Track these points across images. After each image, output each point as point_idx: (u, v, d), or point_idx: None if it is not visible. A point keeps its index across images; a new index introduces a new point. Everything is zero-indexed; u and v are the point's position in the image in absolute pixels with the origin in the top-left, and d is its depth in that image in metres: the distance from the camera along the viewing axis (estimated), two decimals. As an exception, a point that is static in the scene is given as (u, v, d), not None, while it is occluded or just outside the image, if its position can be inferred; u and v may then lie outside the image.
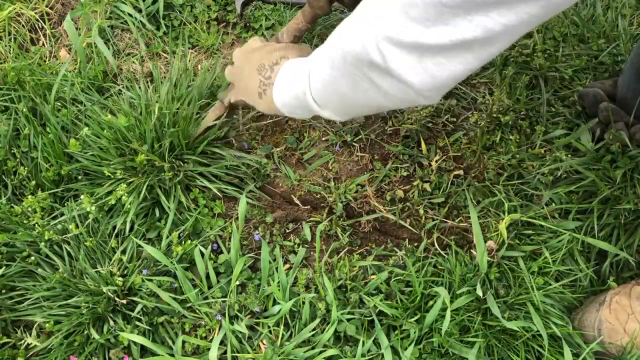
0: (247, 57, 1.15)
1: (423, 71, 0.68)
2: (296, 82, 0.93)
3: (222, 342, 1.17)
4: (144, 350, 1.20)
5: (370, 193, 1.34)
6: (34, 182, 1.35)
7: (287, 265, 1.28)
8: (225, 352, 1.16)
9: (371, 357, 1.16)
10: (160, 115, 1.32)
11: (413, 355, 1.14)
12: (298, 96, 0.93)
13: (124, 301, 1.21)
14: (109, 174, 1.30)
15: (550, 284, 1.20)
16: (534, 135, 1.36)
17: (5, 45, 1.60)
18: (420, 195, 1.34)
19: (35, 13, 1.67)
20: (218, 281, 1.25)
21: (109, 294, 1.19)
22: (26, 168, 1.36)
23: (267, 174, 1.41)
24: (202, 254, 1.26)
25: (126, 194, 1.27)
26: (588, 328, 1.19)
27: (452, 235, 1.31)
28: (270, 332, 1.19)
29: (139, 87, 1.45)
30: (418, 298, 1.18)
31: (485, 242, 1.25)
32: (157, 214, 1.30)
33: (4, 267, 1.25)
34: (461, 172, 1.36)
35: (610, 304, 1.19)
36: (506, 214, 1.25)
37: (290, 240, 1.31)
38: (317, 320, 1.18)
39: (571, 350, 1.14)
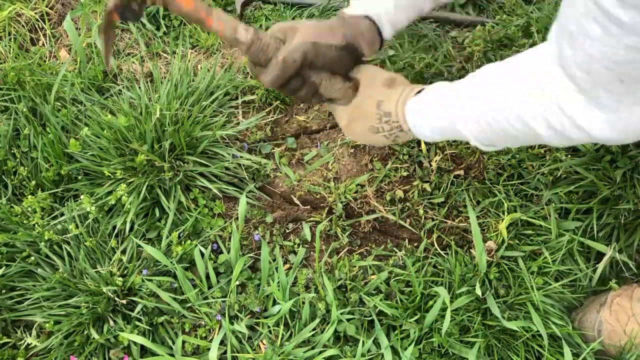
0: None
1: (611, 128, 0.72)
2: (448, 124, 0.93)
3: (222, 342, 1.17)
4: (144, 350, 1.20)
5: (370, 193, 1.34)
6: (34, 182, 1.35)
7: (287, 266, 1.28)
8: (225, 352, 1.16)
9: (371, 357, 1.16)
10: (161, 115, 1.32)
11: (413, 355, 1.14)
12: (445, 132, 0.94)
13: (124, 301, 1.21)
14: (109, 174, 1.30)
15: (550, 284, 1.20)
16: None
17: (5, 46, 1.60)
18: (420, 195, 1.34)
19: (35, 13, 1.67)
20: (218, 281, 1.25)
21: (109, 294, 1.19)
22: (26, 168, 1.36)
23: (267, 174, 1.41)
24: (202, 254, 1.26)
25: (126, 194, 1.27)
26: (588, 329, 1.19)
27: (452, 235, 1.31)
28: (270, 332, 1.19)
29: (139, 87, 1.45)
30: (418, 298, 1.18)
31: (485, 242, 1.25)
32: (157, 214, 1.30)
33: (4, 267, 1.25)
34: (461, 172, 1.36)
35: (611, 306, 1.19)
36: (506, 214, 1.25)
37: (290, 240, 1.31)
38: (317, 320, 1.18)
39: (571, 350, 1.14)
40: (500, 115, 0.82)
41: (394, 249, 1.30)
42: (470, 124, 0.87)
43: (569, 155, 1.30)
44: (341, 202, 1.33)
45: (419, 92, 0.98)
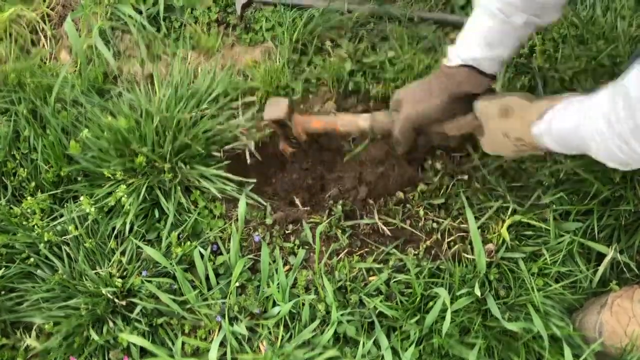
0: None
1: None
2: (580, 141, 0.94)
3: (221, 344, 1.17)
4: (143, 351, 1.20)
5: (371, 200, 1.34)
6: (33, 184, 1.35)
7: (287, 267, 1.28)
8: (225, 354, 1.16)
9: (371, 358, 1.15)
10: (162, 117, 1.32)
11: (413, 356, 1.13)
12: (577, 150, 0.97)
13: (124, 302, 1.21)
14: (109, 175, 1.30)
15: (550, 285, 1.20)
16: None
17: (6, 47, 1.60)
18: (420, 197, 1.34)
19: (36, 15, 1.68)
20: (218, 282, 1.25)
21: (109, 295, 1.19)
22: (26, 170, 1.36)
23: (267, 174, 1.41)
24: (202, 255, 1.26)
25: (126, 195, 1.27)
26: (589, 330, 1.19)
27: (453, 237, 1.30)
28: (270, 333, 1.18)
29: (139, 89, 1.45)
30: (418, 299, 1.18)
31: (486, 243, 1.25)
32: (157, 215, 1.30)
33: (3, 269, 1.25)
34: (465, 176, 1.36)
35: (612, 307, 1.18)
36: (508, 215, 1.25)
37: (290, 242, 1.31)
38: (317, 322, 1.18)
39: (572, 352, 1.14)
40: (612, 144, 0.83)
41: (394, 250, 1.29)
42: (600, 143, 0.87)
43: (569, 159, 1.30)
44: (340, 204, 1.32)
45: (544, 113, 0.99)
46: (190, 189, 1.34)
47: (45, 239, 1.25)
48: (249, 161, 1.41)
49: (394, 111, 1.20)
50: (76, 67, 1.58)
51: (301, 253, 1.28)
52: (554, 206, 1.27)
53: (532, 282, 1.18)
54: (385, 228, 1.31)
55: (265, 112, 1.26)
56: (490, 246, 1.23)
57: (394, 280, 1.24)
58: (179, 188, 1.31)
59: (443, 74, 1.14)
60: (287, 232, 1.33)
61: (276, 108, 1.24)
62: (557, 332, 1.15)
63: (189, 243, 1.26)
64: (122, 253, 1.27)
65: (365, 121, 1.23)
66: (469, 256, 1.24)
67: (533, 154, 1.09)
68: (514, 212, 1.27)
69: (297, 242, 1.30)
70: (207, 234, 1.30)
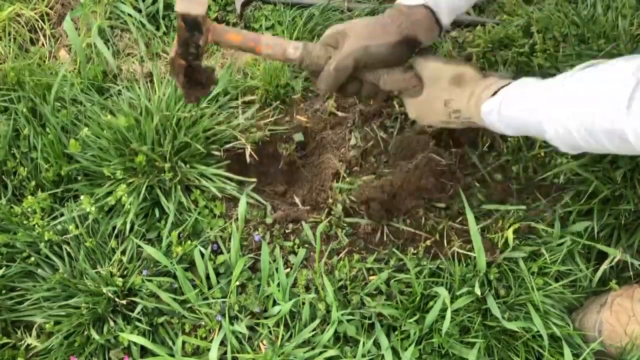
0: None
1: None
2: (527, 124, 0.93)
3: (222, 343, 1.17)
4: (144, 350, 1.20)
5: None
6: (33, 183, 1.35)
7: (287, 266, 1.28)
8: (225, 353, 1.16)
9: (371, 357, 1.16)
10: (162, 116, 1.32)
11: (413, 356, 1.14)
12: (525, 131, 0.96)
13: (124, 302, 1.21)
14: (109, 175, 1.30)
15: (550, 284, 1.20)
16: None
17: (5, 46, 1.60)
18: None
19: (35, 13, 1.67)
20: (218, 282, 1.25)
21: (109, 294, 1.19)
22: (26, 168, 1.36)
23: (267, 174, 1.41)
24: (202, 255, 1.26)
25: (126, 195, 1.27)
26: (589, 329, 1.19)
27: (453, 236, 1.30)
28: (270, 332, 1.19)
29: (139, 88, 1.45)
30: (418, 298, 1.18)
31: (487, 244, 1.25)
32: (157, 215, 1.30)
33: (4, 268, 1.25)
34: (469, 179, 1.36)
35: (612, 306, 1.19)
36: (510, 218, 1.25)
37: (290, 241, 1.31)
38: (317, 321, 1.18)
39: (571, 351, 1.14)
40: (589, 128, 0.81)
41: (394, 250, 1.29)
42: (560, 129, 0.86)
43: (571, 159, 1.29)
44: (341, 203, 1.32)
45: (496, 92, 0.97)
46: (190, 188, 1.34)
47: (46, 238, 1.25)
48: (248, 160, 1.41)
49: (330, 47, 1.06)
50: (75, 65, 1.58)
51: (301, 252, 1.28)
52: (558, 210, 1.27)
53: (532, 282, 1.19)
54: (386, 227, 1.31)
55: (179, 3, 0.98)
56: (495, 253, 1.24)
57: (394, 279, 1.24)
58: (179, 187, 1.31)
59: (399, 12, 1.05)
60: (287, 231, 1.33)
61: (194, 2, 0.98)
62: (556, 331, 1.15)
63: (189, 242, 1.26)
64: (123, 252, 1.27)
65: (295, 49, 1.04)
66: (470, 254, 1.24)
67: (457, 127, 1.06)
68: (516, 213, 1.27)
69: (297, 241, 1.30)
70: (208, 233, 1.30)
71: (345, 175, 1.37)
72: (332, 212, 1.32)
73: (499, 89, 0.97)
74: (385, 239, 1.33)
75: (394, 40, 1.03)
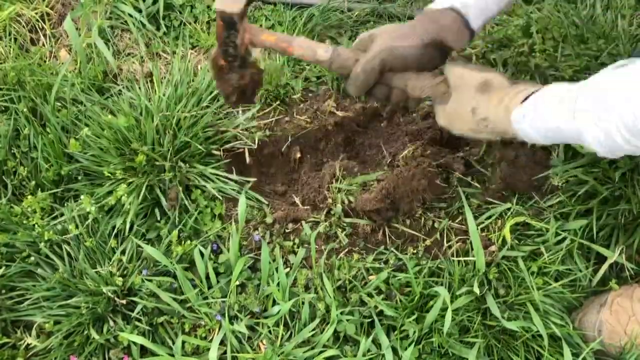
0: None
1: None
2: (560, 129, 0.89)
3: (221, 342, 1.17)
4: (143, 350, 1.20)
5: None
6: (33, 183, 1.35)
7: (287, 266, 1.28)
8: (225, 352, 1.16)
9: (371, 357, 1.16)
10: (162, 116, 1.32)
11: (413, 355, 1.14)
12: (562, 140, 0.93)
13: (124, 301, 1.21)
14: (109, 174, 1.30)
15: (549, 284, 1.20)
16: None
17: (6, 46, 1.60)
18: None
19: (36, 13, 1.67)
20: (218, 281, 1.25)
21: (109, 294, 1.19)
22: (26, 168, 1.36)
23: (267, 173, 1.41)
24: (202, 254, 1.26)
25: (126, 194, 1.27)
26: (588, 329, 1.19)
27: (453, 236, 1.30)
28: (270, 332, 1.19)
29: (139, 88, 1.45)
30: (417, 298, 1.18)
31: (486, 243, 1.25)
32: (157, 214, 1.30)
33: (3, 268, 1.25)
34: (461, 174, 1.36)
35: (612, 306, 1.19)
36: (508, 216, 1.25)
37: (290, 241, 1.31)
38: (317, 321, 1.18)
39: (571, 351, 1.14)
40: (631, 128, 0.78)
41: (394, 250, 1.29)
42: (600, 134, 0.82)
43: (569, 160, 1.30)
44: (341, 203, 1.32)
45: (526, 98, 0.93)
46: (190, 188, 1.34)
47: (46, 238, 1.25)
48: (248, 160, 1.41)
49: (359, 50, 1.07)
50: (76, 65, 1.58)
51: (301, 252, 1.28)
52: (555, 208, 1.27)
53: (531, 281, 1.19)
54: (386, 228, 1.31)
55: (218, 1, 1.01)
56: (492, 247, 1.23)
57: (394, 279, 1.24)
58: (179, 187, 1.31)
59: (427, 17, 1.05)
60: (287, 231, 1.33)
61: (233, 1, 1.01)
62: (556, 331, 1.15)
63: (189, 242, 1.26)
64: (123, 252, 1.27)
65: (326, 52, 1.06)
66: (470, 258, 1.24)
67: (487, 137, 1.03)
68: (516, 213, 1.27)
69: (297, 241, 1.30)
70: (207, 233, 1.30)
71: (343, 175, 1.37)
72: (332, 212, 1.33)
73: (529, 95, 0.93)
74: (384, 238, 1.34)
75: (421, 42, 1.02)
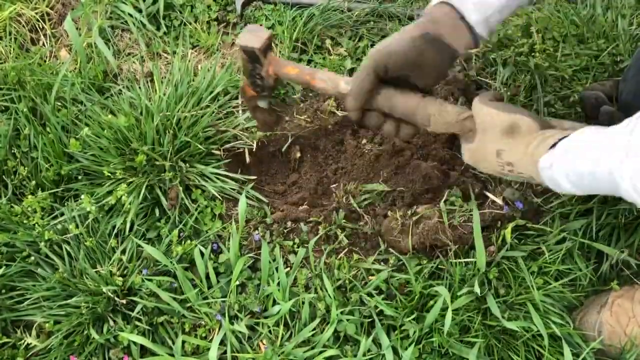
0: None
1: None
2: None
3: (222, 342, 1.17)
4: (143, 350, 1.20)
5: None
6: (34, 182, 1.35)
7: (287, 266, 1.28)
8: (225, 352, 1.16)
9: (371, 357, 1.16)
10: (162, 116, 1.32)
11: (413, 355, 1.14)
12: (595, 190, 0.86)
13: (124, 301, 1.21)
14: (109, 174, 1.30)
15: (550, 284, 1.20)
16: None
17: (6, 45, 1.60)
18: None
19: (36, 13, 1.67)
20: (218, 281, 1.25)
21: (109, 293, 1.19)
22: (26, 168, 1.36)
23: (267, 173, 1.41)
24: (202, 254, 1.26)
25: (126, 194, 1.28)
26: (589, 329, 1.19)
27: (452, 236, 1.30)
28: (270, 332, 1.19)
29: (139, 87, 1.45)
30: (417, 297, 1.18)
31: (486, 243, 1.24)
32: (157, 214, 1.31)
33: (4, 267, 1.25)
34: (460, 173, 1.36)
35: (612, 306, 1.18)
36: (508, 213, 1.25)
37: (290, 240, 1.31)
38: (317, 320, 1.18)
39: (571, 350, 1.14)
40: None
41: (393, 249, 1.29)
42: (638, 183, 0.75)
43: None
44: (344, 205, 1.32)
45: (555, 144, 0.87)
46: (190, 187, 1.34)
47: (46, 238, 1.25)
48: (248, 160, 1.41)
49: None
50: (76, 65, 1.58)
51: (301, 252, 1.28)
52: (554, 207, 1.27)
53: (531, 281, 1.19)
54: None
55: (241, 37, 1.05)
56: (491, 249, 1.23)
57: (394, 278, 1.24)
58: (179, 187, 1.32)
59: (422, 17, 1.02)
60: (287, 230, 1.33)
61: (255, 37, 1.04)
62: (556, 330, 1.15)
63: (189, 242, 1.26)
64: (123, 252, 1.27)
65: (347, 84, 1.05)
66: (470, 259, 1.24)
67: (515, 179, 0.99)
68: (517, 215, 1.27)
69: (297, 240, 1.30)
70: (208, 232, 1.30)
71: (342, 176, 1.37)
72: (332, 212, 1.32)
73: (558, 141, 0.87)
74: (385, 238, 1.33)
75: (409, 35, 0.97)
